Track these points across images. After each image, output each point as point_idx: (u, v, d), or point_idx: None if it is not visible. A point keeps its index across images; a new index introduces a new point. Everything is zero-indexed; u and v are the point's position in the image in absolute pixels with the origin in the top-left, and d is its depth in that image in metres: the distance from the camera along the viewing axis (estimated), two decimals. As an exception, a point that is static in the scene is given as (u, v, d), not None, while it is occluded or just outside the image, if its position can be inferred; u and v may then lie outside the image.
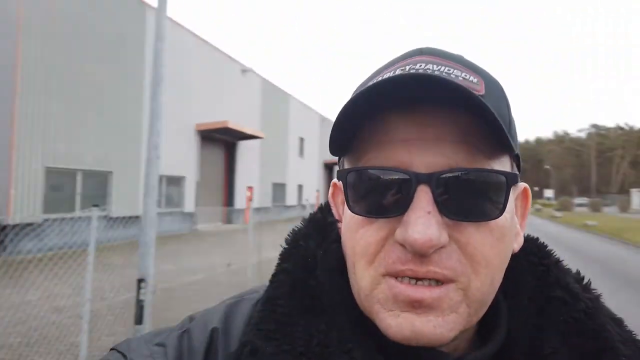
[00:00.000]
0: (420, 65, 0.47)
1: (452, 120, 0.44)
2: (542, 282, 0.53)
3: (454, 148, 0.45)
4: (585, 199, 71.90)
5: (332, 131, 0.47)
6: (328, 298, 0.49)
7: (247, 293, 0.59)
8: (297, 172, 34.07)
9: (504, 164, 0.47)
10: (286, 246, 0.55)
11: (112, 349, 0.55)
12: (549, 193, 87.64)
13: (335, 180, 0.57)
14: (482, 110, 0.42)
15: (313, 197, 38.52)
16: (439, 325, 0.44)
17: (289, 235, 0.57)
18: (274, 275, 0.53)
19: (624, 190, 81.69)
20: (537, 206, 60.01)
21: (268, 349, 0.46)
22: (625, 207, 57.36)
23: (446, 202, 0.44)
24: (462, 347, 0.49)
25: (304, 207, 31.46)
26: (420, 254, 0.43)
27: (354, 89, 0.53)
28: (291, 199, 32.32)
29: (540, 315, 0.51)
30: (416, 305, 0.44)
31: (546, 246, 0.57)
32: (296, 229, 0.57)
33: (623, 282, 10.41)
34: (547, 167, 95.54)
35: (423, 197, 0.43)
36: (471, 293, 0.45)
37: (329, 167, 43.23)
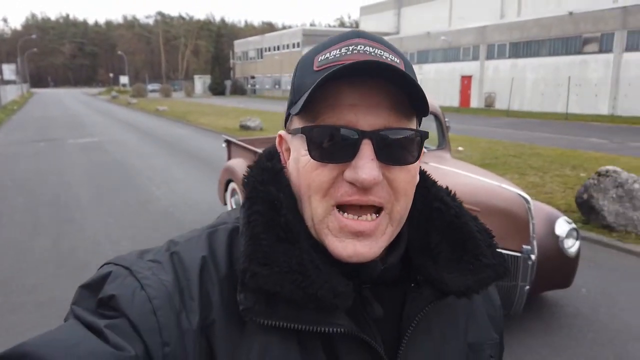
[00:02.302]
0: (361, 47, 0.61)
1: (385, 92, 0.59)
2: (426, 198, 0.71)
3: (387, 112, 0.59)
4: (157, 85, 76.90)
5: (306, 100, 0.58)
6: (296, 231, 0.61)
7: (219, 223, 0.70)
8: None
9: (414, 124, 0.64)
10: (248, 190, 0.66)
11: (108, 263, 0.63)
12: (124, 79, 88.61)
13: (281, 132, 0.71)
14: (409, 84, 0.57)
15: None
16: (373, 247, 0.60)
17: (244, 180, 0.68)
18: (249, 216, 0.63)
19: (189, 77, 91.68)
20: (114, 93, 60.34)
21: (263, 272, 0.58)
22: (190, 92, 65.17)
23: (382, 151, 0.59)
24: (380, 253, 0.64)
25: None
26: (365, 189, 0.59)
27: (306, 58, 0.66)
28: None
29: (427, 221, 0.70)
30: (358, 235, 0.60)
31: (425, 172, 0.74)
32: (250, 174, 0.68)
33: (186, 156, 12.75)
34: (120, 52, 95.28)
35: (367, 148, 0.58)
36: (394, 215, 0.62)
37: None
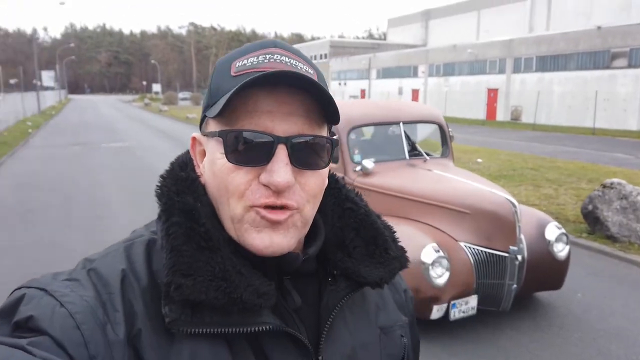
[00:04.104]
0: (277, 56, 0.65)
1: (300, 100, 0.63)
2: (337, 199, 0.77)
3: (302, 120, 0.63)
4: (188, 93, 78.72)
5: (224, 105, 0.60)
6: (216, 238, 0.63)
7: (135, 237, 0.70)
8: None
9: (325, 131, 0.68)
10: (163, 202, 0.67)
11: (19, 288, 0.60)
12: (157, 87, 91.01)
13: (195, 134, 0.73)
14: (322, 94, 0.63)
15: None
16: (287, 236, 0.64)
17: (157, 190, 0.68)
18: (167, 228, 0.63)
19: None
20: (147, 100, 62.16)
21: (188, 282, 0.59)
22: (219, 101, 66.27)
23: (295, 156, 0.63)
24: (297, 248, 0.70)
25: None
26: (280, 192, 0.62)
27: (224, 62, 0.68)
28: None
29: (340, 220, 0.76)
30: (275, 224, 0.63)
31: (335, 175, 0.80)
32: (162, 185, 0.69)
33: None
34: (154, 61, 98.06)
35: (282, 153, 0.62)
36: (304, 214, 0.66)
37: None
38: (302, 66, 0.66)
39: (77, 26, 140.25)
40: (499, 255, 3.82)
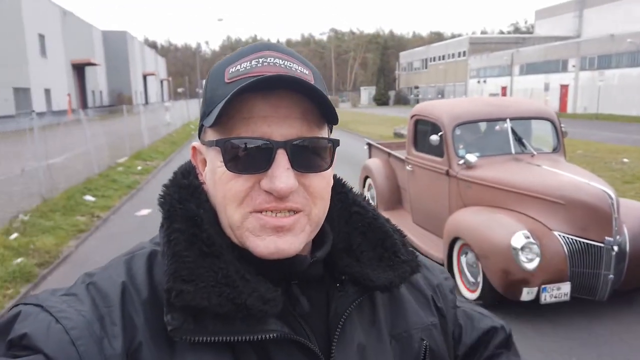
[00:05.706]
0: (271, 59, 0.64)
1: (295, 102, 0.62)
2: (344, 203, 0.77)
3: (299, 122, 0.62)
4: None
5: (220, 111, 0.59)
6: (218, 244, 0.63)
7: (136, 249, 0.70)
8: (41, 75, 30.44)
9: (326, 132, 0.68)
10: (166, 209, 0.66)
11: (18, 304, 0.61)
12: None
13: (194, 143, 0.73)
14: (318, 96, 0.62)
15: (64, 102, 35.15)
16: (294, 242, 0.63)
17: (160, 199, 0.68)
18: (169, 235, 0.63)
19: (356, 88, 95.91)
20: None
21: (189, 288, 0.58)
22: (355, 103, 68.48)
23: (296, 160, 0.62)
24: (305, 251, 0.68)
25: (55, 113, 28.91)
26: (282, 197, 0.61)
27: (218, 69, 0.67)
28: (38, 105, 28.92)
29: (347, 224, 0.75)
30: (279, 230, 0.62)
31: (342, 179, 0.80)
32: (165, 193, 0.68)
33: (340, 158, 14.18)
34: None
35: (282, 158, 0.61)
36: (312, 217, 0.65)
37: (78, 68, 39.19)
38: (297, 67, 0.66)
39: (233, 38, 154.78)
40: (594, 245, 3.94)
